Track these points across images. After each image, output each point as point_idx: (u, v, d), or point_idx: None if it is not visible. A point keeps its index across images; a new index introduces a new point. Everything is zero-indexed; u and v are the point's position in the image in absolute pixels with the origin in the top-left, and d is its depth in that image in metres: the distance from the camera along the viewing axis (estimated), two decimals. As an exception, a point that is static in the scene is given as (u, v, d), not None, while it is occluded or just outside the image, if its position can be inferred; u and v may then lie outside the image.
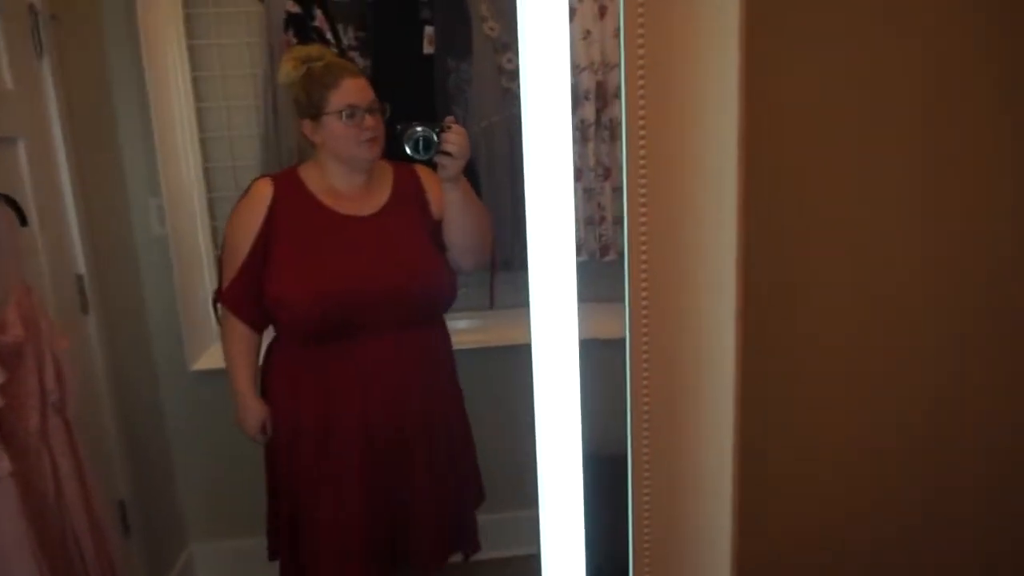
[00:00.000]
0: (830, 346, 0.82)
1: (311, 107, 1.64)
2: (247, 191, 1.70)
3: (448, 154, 1.58)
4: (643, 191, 0.72)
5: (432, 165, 1.65)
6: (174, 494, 2.42)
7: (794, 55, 0.74)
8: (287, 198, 1.67)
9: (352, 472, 1.68)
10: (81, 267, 1.89)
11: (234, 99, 2.25)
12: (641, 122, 0.70)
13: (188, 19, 2.18)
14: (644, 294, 0.74)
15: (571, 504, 0.78)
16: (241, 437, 1.77)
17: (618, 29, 0.70)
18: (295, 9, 2.11)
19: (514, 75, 2.25)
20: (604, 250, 2.33)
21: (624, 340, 0.76)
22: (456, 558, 1.86)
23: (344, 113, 1.61)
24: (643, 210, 0.72)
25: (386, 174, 1.76)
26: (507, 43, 2.23)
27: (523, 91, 0.72)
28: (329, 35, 2.16)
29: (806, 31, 0.73)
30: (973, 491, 0.79)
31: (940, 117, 0.71)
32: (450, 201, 1.68)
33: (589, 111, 2.23)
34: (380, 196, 1.72)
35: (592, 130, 2.24)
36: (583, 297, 0.76)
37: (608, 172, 2.28)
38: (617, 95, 2.21)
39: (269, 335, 1.78)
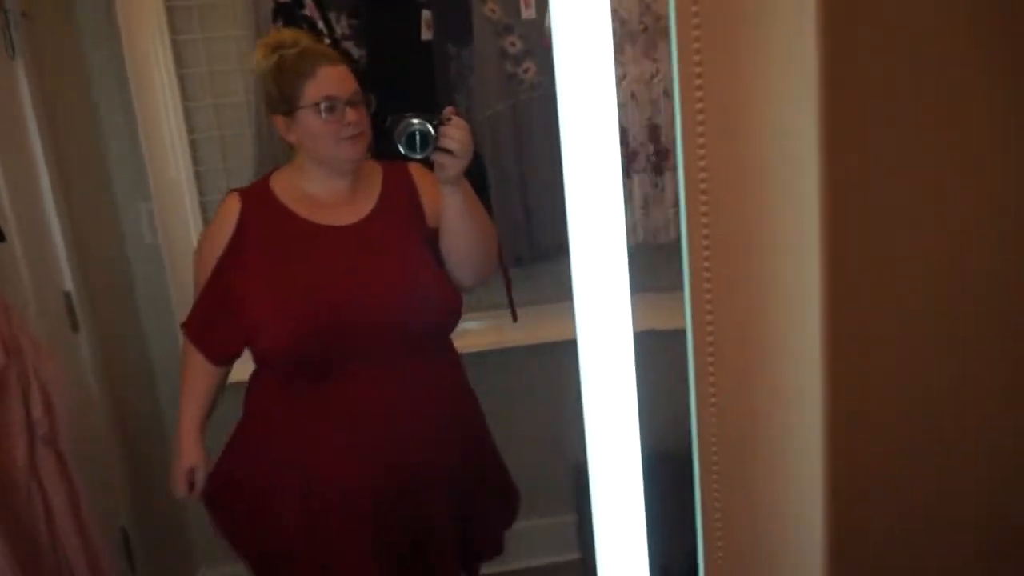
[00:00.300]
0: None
1: (283, 101, 1.43)
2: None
3: (448, 152, 1.34)
4: (703, 169, 0.63)
5: (429, 164, 1.41)
6: (181, 517, 2.34)
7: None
8: (255, 211, 1.47)
9: (348, 537, 1.46)
10: (68, 283, 1.82)
11: (223, 96, 2.16)
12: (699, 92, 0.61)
13: (171, 13, 2.09)
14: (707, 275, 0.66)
15: (630, 508, 0.74)
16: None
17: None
18: (283, -3, 2.00)
19: (518, 59, 2.17)
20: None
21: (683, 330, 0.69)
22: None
23: (322, 106, 1.39)
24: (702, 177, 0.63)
25: (375, 176, 1.54)
26: (509, 25, 2.13)
27: (555, 45, 0.64)
28: (320, 24, 2.06)
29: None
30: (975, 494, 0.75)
31: (940, 117, 0.65)
32: (449, 206, 1.43)
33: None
34: (366, 202, 1.50)
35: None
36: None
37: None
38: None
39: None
